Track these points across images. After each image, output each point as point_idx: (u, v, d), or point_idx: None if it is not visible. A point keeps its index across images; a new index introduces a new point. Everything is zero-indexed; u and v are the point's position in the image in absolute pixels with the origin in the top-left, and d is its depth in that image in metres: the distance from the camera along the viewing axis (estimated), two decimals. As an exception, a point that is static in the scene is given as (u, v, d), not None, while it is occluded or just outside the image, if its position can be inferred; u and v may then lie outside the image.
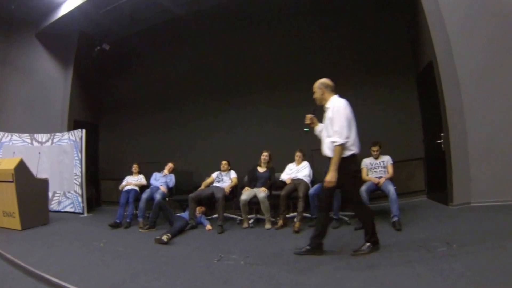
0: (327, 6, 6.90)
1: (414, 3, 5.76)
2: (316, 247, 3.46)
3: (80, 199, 7.04)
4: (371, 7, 6.65)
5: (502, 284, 2.28)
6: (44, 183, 6.08)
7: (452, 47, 5.21)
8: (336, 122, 3.30)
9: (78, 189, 7.07)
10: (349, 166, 3.31)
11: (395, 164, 5.04)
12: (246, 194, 5.24)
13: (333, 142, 3.28)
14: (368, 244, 3.37)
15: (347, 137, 3.25)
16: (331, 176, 3.24)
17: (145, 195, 5.72)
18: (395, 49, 6.49)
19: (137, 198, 5.87)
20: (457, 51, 5.18)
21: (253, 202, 5.23)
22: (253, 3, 7.19)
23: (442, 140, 5.33)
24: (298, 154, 5.71)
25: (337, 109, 3.37)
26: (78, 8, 7.12)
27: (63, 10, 7.43)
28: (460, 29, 5.21)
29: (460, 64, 5.16)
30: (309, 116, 3.79)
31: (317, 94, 3.67)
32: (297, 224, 4.67)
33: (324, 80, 3.69)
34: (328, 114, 3.43)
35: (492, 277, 2.39)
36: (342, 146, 3.24)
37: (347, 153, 3.28)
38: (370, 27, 6.66)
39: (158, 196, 5.57)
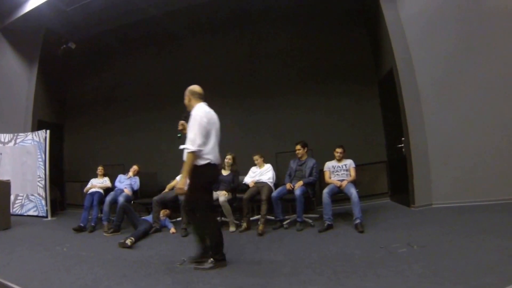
0: (292, 15, 7.07)
1: (375, 13, 5.95)
2: (221, 258, 3.33)
3: (43, 202, 6.83)
4: (334, 16, 6.86)
5: (459, 284, 2.37)
6: (6, 185, 5.91)
7: (412, 55, 5.45)
8: (191, 130, 3.25)
9: (41, 191, 6.88)
10: (201, 175, 3.26)
11: (359, 167, 5.21)
12: None
13: (186, 149, 3.23)
14: (211, 259, 3.27)
15: (200, 145, 3.19)
16: (181, 183, 3.24)
17: (109, 198, 5.63)
18: (358, 57, 6.70)
19: (101, 201, 5.77)
20: (416, 59, 5.43)
21: (216, 205, 5.18)
22: (222, 9, 7.25)
23: (403, 145, 5.53)
24: (256, 157, 5.79)
25: (195, 117, 3.32)
26: (46, 4, 6.89)
27: (29, 5, 7.16)
28: (419, 37, 5.45)
29: (420, 71, 5.41)
30: (180, 122, 3.72)
31: (186, 101, 3.70)
32: (260, 227, 4.73)
33: (192, 87, 3.71)
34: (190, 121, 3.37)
35: (449, 277, 2.49)
36: (194, 154, 3.19)
37: (201, 161, 3.24)
38: (333, 35, 6.88)
39: (121, 199, 5.49)
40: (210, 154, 3.29)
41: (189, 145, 3.19)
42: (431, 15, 5.40)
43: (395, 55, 5.53)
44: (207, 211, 3.41)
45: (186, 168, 3.19)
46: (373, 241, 3.79)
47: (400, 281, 2.56)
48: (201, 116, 3.30)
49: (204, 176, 3.28)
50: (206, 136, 3.27)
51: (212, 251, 3.30)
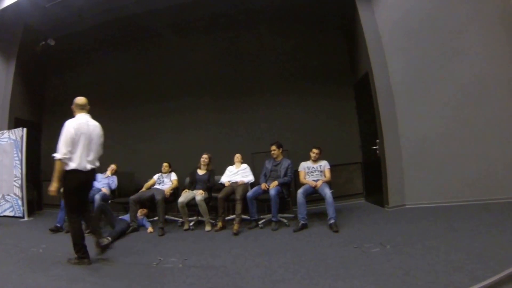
0: (271, 17, 7.15)
1: (353, 17, 6.08)
2: (82, 256, 3.61)
3: (20, 202, 6.70)
4: (312, 19, 6.95)
5: (429, 283, 2.47)
6: (-19, 185, 5.77)
7: (387, 60, 5.59)
8: (60, 139, 3.54)
9: (18, 191, 6.76)
10: (68, 180, 3.54)
11: (334, 168, 5.31)
12: (184, 196, 5.26)
13: (54, 156, 3.51)
14: (76, 256, 3.60)
15: (65, 154, 3.46)
16: (52, 186, 3.49)
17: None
18: (335, 60, 6.84)
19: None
20: (391, 64, 5.58)
21: (193, 204, 5.27)
22: (201, 9, 7.25)
23: (377, 147, 5.67)
24: (237, 156, 5.84)
25: (64, 127, 3.65)
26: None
27: (8, 0, 7.02)
28: (395, 43, 5.62)
29: (394, 76, 5.56)
30: None
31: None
32: (235, 226, 4.77)
33: (76, 99, 4.02)
34: None
35: (419, 276, 2.59)
36: (60, 161, 3.46)
37: (68, 168, 3.51)
38: (310, 38, 7.00)
39: (97, 198, 5.46)
40: (75, 162, 3.54)
41: (56, 153, 3.49)
42: (406, 22, 5.58)
43: (371, 59, 5.68)
44: (70, 214, 3.77)
45: (55, 173, 3.50)
46: (347, 240, 3.88)
47: (372, 280, 2.64)
48: (68, 127, 3.62)
49: (70, 181, 3.56)
50: (72, 145, 3.54)
51: (74, 249, 3.61)
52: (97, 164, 3.86)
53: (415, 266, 2.83)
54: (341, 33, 6.91)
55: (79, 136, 3.62)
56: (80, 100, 3.96)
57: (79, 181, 3.61)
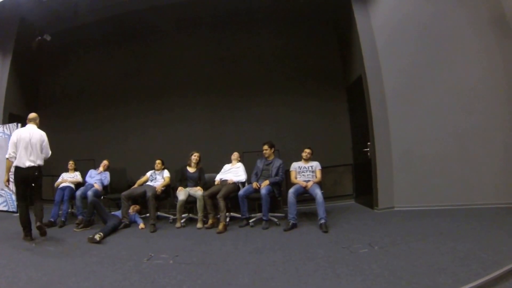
0: (265, 17, 7.19)
1: (348, 20, 6.13)
2: (27, 235, 4.49)
3: (14, 197, 6.68)
4: (306, 19, 7.02)
5: (413, 284, 2.54)
6: (-25, 179, 5.77)
7: (381, 64, 5.65)
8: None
9: (12, 186, 6.69)
10: (14, 175, 4.56)
11: (326, 169, 5.36)
12: (182, 194, 5.30)
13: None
14: (23, 235, 4.50)
15: (10, 155, 4.53)
16: (4, 180, 4.72)
17: (79, 193, 5.64)
18: (328, 61, 6.91)
19: (72, 196, 5.76)
20: (384, 68, 5.64)
21: (187, 202, 5.33)
22: (195, 7, 7.27)
23: (368, 149, 5.74)
24: (234, 154, 5.88)
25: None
26: None
27: None
28: (388, 47, 5.67)
29: (387, 80, 5.62)
30: None
31: None
32: (220, 226, 4.82)
33: (29, 115, 4.91)
34: None
35: (405, 277, 2.66)
36: (8, 160, 4.56)
37: (14, 165, 4.52)
38: (304, 38, 7.06)
39: (90, 194, 5.48)
40: (17, 161, 4.49)
41: (6, 155, 4.57)
42: (401, 27, 5.65)
43: (365, 63, 5.74)
44: (18, 201, 4.73)
45: (6, 169, 4.64)
46: (336, 241, 3.95)
47: (359, 280, 2.71)
48: (12, 135, 4.75)
49: (15, 175, 4.55)
50: (15, 149, 4.53)
51: (23, 230, 4.50)
52: (39, 162, 4.63)
53: (401, 267, 2.90)
54: (335, 36, 6.97)
55: (20, 142, 4.53)
56: (30, 115, 4.88)
57: (20, 175, 4.51)
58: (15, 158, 4.51)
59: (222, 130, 7.15)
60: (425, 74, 5.50)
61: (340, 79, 6.87)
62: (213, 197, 5.21)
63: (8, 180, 4.70)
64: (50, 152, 4.87)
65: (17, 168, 4.52)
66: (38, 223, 4.41)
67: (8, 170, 4.62)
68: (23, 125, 6.54)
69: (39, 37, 7.87)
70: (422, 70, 5.51)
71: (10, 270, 3.34)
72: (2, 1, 6.97)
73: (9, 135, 6.78)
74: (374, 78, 5.72)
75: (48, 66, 8.89)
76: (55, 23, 7.86)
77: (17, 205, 4.88)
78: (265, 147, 5.40)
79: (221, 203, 4.99)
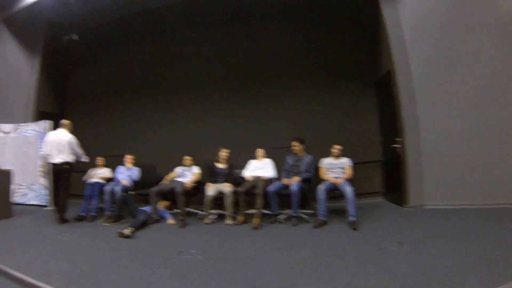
0: (293, 11, 7.12)
1: (375, 14, 6.00)
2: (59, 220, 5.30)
3: (44, 191, 6.92)
4: (333, 14, 6.90)
5: (443, 284, 2.47)
6: (7, 174, 6.02)
7: (409, 58, 5.50)
8: None
9: (43, 181, 6.92)
10: (50, 168, 5.49)
11: (354, 165, 5.22)
12: (212, 190, 5.29)
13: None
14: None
15: (44, 152, 5.49)
16: (41, 171, 5.91)
17: (108, 188, 5.70)
18: (356, 56, 6.76)
19: (102, 191, 5.82)
20: (413, 62, 5.49)
21: (217, 198, 5.31)
22: (223, 3, 7.31)
23: (397, 145, 5.60)
24: (259, 151, 5.84)
25: None
26: None
27: None
28: (417, 40, 5.53)
29: (417, 74, 5.47)
30: None
31: None
32: (255, 221, 4.78)
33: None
34: None
35: (434, 277, 2.59)
36: (43, 156, 5.55)
37: (48, 161, 5.45)
38: (332, 33, 6.93)
39: (117, 189, 5.53)
40: (50, 158, 5.39)
41: (42, 152, 5.69)
42: (429, 20, 5.49)
43: (393, 57, 5.61)
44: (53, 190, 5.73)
45: (42, 164, 5.67)
46: (366, 239, 3.87)
47: (388, 278, 2.64)
48: (46, 137, 5.72)
49: (50, 170, 5.49)
50: (48, 148, 5.45)
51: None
52: (68, 159, 5.42)
53: (431, 266, 2.82)
54: (362, 30, 6.81)
55: (52, 143, 5.45)
56: (63, 121, 5.74)
57: (53, 169, 5.43)
58: (49, 155, 5.40)
59: (251, 125, 7.13)
60: (456, 66, 5.33)
61: (368, 74, 6.71)
62: (248, 193, 5.20)
63: (45, 172, 5.72)
64: (81, 153, 5.69)
65: (50, 164, 5.43)
66: (59, 210, 5.33)
67: (44, 165, 5.57)
68: (54, 122, 6.84)
69: (67, 37, 8.08)
70: (453, 63, 5.34)
71: (42, 262, 3.42)
72: (29, 4, 7.24)
73: (40, 132, 7.01)
74: (403, 72, 5.57)
75: (76, 65, 9.12)
76: (81, 22, 8.07)
77: (51, 194, 6.10)
78: (294, 143, 5.33)
79: (259, 200, 4.98)
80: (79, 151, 5.66)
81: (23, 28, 8.14)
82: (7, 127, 7.43)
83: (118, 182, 5.81)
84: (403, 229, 4.22)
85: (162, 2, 7.36)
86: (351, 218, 4.46)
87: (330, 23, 6.96)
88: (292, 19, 7.20)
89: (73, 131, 5.74)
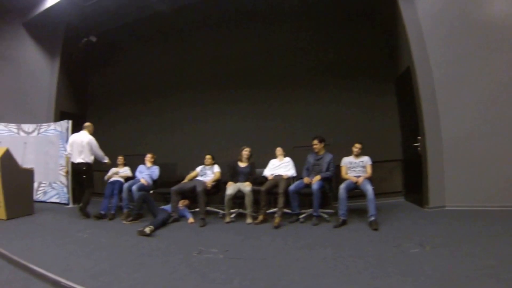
0: (311, 8, 7.07)
1: (393, 10, 5.91)
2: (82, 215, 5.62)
3: (65, 189, 7.06)
4: (351, 11, 6.84)
5: None
6: (30, 173, 6.10)
7: (429, 54, 5.38)
8: None
9: (63, 180, 7.09)
10: (71, 167, 5.86)
11: (374, 164, 5.16)
12: (231, 188, 5.29)
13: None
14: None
15: (67, 153, 5.84)
16: (64, 170, 6.50)
17: (126, 185, 5.78)
18: (375, 53, 6.71)
19: (122, 190, 5.88)
20: (434, 58, 5.37)
21: (237, 197, 5.31)
22: (239, 2, 7.32)
23: (418, 144, 5.49)
24: (278, 149, 5.83)
25: None
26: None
27: (50, 1, 7.44)
28: (437, 36, 5.40)
29: (437, 70, 5.35)
30: None
31: None
32: (277, 220, 4.75)
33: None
34: None
35: (457, 280, 2.52)
36: (66, 156, 6.00)
37: (70, 160, 5.79)
38: (350, 31, 6.88)
39: (134, 188, 5.61)
40: (72, 158, 5.73)
41: (65, 152, 6.04)
42: (448, 14, 5.37)
43: (413, 53, 5.50)
44: (73, 187, 6.51)
45: (65, 163, 6.30)
46: (386, 239, 3.81)
47: (410, 280, 2.58)
48: (69, 139, 6.05)
49: (71, 168, 5.85)
50: (70, 149, 5.77)
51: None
52: (87, 160, 5.70)
53: (453, 269, 2.75)
54: (380, 26, 6.73)
55: (73, 144, 5.74)
56: (85, 124, 6.04)
57: (73, 168, 5.77)
58: (71, 155, 5.73)
59: (270, 124, 7.12)
60: (477, 62, 5.18)
61: (387, 71, 6.62)
62: (269, 192, 5.18)
63: (67, 172, 6.17)
64: (101, 154, 5.94)
65: (71, 163, 5.77)
66: (81, 206, 5.62)
67: (67, 164, 6.05)
68: (74, 122, 7.03)
69: (85, 39, 8.23)
70: (474, 59, 5.19)
71: (62, 259, 3.45)
72: (47, 8, 7.41)
73: (60, 132, 7.13)
74: (423, 69, 5.45)
75: (95, 66, 9.25)
76: (98, 24, 8.20)
77: (74, 189, 6.72)
78: (315, 141, 5.28)
79: (281, 199, 4.96)
80: (100, 152, 5.90)
81: (43, 31, 8.34)
82: (29, 127, 7.56)
83: (138, 180, 5.87)
84: (424, 230, 4.12)
85: (179, 4, 7.41)
86: (372, 218, 4.39)
87: (347, 20, 6.93)
88: (310, 18, 7.16)
89: (94, 131, 5.98)
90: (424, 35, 5.49)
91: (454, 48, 5.32)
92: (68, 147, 5.82)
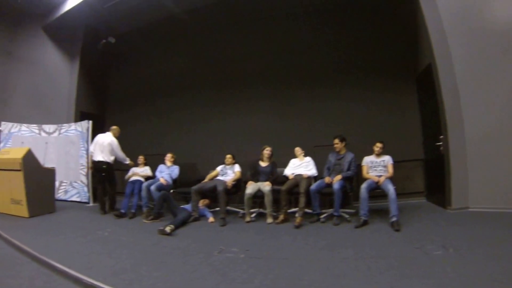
0: (330, 7, 7.02)
1: (413, 6, 5.81)
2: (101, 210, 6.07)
3: (86, 189, 7.17)
4: (370, 9, 6.74)
5: None
6: (51, 172, 6.22)
7: (451, 50, 5.23)
8: None
9: (84, 179, 7.21)
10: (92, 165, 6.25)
11: (395, 164, 5.08)
12: (251, 188, 5.28)
13: None
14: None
15: (91, 151, 6.23)
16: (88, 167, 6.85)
17: (145, 184, 5.84)
18: (395, 51, 6.59)
19: (142, 189, 5.92)
20: (456, 55, 5.21)
21: (257, 196, 5.30)
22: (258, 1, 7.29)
23: (441, 143, 5.37)
24: (297, 149, 5.79)
25: None
26: (84, 2, 7.30)
27: (68, 4, 7.61)
28: (459, 32, 5.24)
29: (459, 67, 5.19)
30: None
31: None
32: (298, 220, 4.71)
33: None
34: None
35: (481, 285, 2.46)
36: (90, 155, 6.34)
37: (92, 159, 6.15)
38: (370, 28, 6.78)
39: (153, 188, 5.64)
40: (94, 156, 6.09)
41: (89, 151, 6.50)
42: (471, 9, 5.21)
43: (434, 50, 5.34)
44: (94, 184, 6.61)
45: (89, 161, 6.49)
46: (409, 240, 3.73)
47: (432, 283, 2.53)
48: (94, 139, 6.31)
49: (92, 166, 6.25)
50: (93, 148, 6.18)
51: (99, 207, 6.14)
52: (107, 159, 6.00)
53: (477, 273, 2.67)
54: (401, 23, 6.59)
55: (96, 143, 6.11)
56: (112, 127, 6.34)
57: (94, 166, 6.12)
58: (93, 154, 6.11)
59: (290, 123, 7.10)
60: (501, 57, 4.98)
61: (408, 69, 6.50)
62: (290, 192, 5.16)
63: (91, 167, 6.39)
64: (123, 155, 6.23)
65: (93, 161, 6.11)
66: (101, 205, 6.08)
67: (91, 161, 6.26)
68: (94, 122, 7.21)
69: (104, 40, 8.36)
70: (497, 54, 5.01)
71: (84, 256, 3.52)
72: (66, 11, 7.61)
73: (81, 132, 7.24)
74: (445, 66, 5.27)
75: (115, 66, 9.35)
76: (117, 26, 8.33)
77: (94, 187, 6.87)
78: (336, 141, 5.24)
79: (302, 198, 4.93)
80: (121, 154, 6.19)
81: (62, 34, 8.55)
82: (50, 127, 7.71)
83: (156, 180, 5.92)
84: (447, 232, 4.01)
85: (196, 5, 7.44)
86: (393, 219, 4.31)
87: (367, 17, 6.83)
88: (330, 16, 7.11)
89: (119, 135, 6.31)
90: (446, 31, 5.32)
91: (477, 43, 5.15)
92: (91, 146, 6.23)
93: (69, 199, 7.40)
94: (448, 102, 5.23)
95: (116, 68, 9.38)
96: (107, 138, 6.09)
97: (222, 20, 7.82)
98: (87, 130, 7.21)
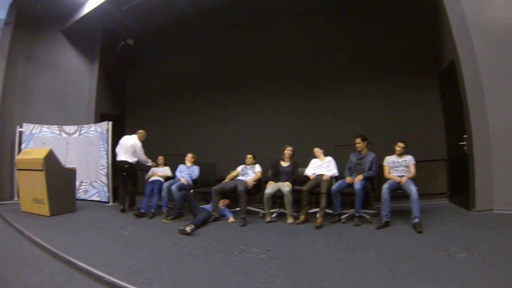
0: (349, 4, 6.98)
1: (436, 1, 5.69)
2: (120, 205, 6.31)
3: (106, 188, 7.28)
4: (392, 4, 6.62)
5: None
6: (72, 172, 6.32)
7: (475, 46, 5.09)
8: None
9: (104, 179, 7.31)
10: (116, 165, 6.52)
11: (417, 164, 4.98)
12: (270, 188, 5.25)
13: None
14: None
15: (116, 152, 6.37)
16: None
17: (166, 184, 5.88)
18: (417, 48, 6.45)
19: (161, 189, 5.95)
20: (480, 51, 5.08)
21: (277, 196, 5.27)
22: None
23: (465, 142, 5.24)
24: (316, 150, 5.74)
25: None
26: (101, 6, 7.43)
27: (86, 8, 7.75)
28: (481, 26, 5.12)
29: (484, 64, 5.05)
30: None
31: None
32: (319, 220, 4.68)
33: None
34: None
35: None
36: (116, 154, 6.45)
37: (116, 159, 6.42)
38: (391, 26, 6.67)
39: (173, 188, 5.67)
40: (117, 156, 6.32)
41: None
42: (495, 6, 5.09)
43: (457, 46, 5.20)
44: (119, 182, 6.60)
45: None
46: (431, 242, 3.66)
47: (456, 286, 2.48)
48: (120, 140, 6.45)
49: (116, 165, 6.48)
50: (118, 149, 6.36)
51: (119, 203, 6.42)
52: (129, 160, 6.21)
53: (503, 277, 2.59)
54: (422, 19, 6.44)
55: (121, 144, 6.32)
56: (139, 130, 6.52)
57: (117, 165, 6.36)
58: (117, 154, 6.32)
59: (310, 123, 7.06)
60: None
61: (431, 66, 6.36)
62: (311, 192, 5.12)
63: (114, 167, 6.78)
64: (144, 158, 6.40)
65: (116, 161, 6.33)
66: (128, 205, 6.28)
67: (114, 162, 6.63)
68: (114, 123, 7.33)
69: (123, 42, 8.48)
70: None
71: (105, 254, 3.57)
72: (85, 14, 7.78)
73: (101, 133, 7.34)
74: (469, 62, 5.13)
75: (134, 67, 9.47)
76: (136, 28, 8.46)
77: (114, 187, 7.13)
78: (357, 140, 5.17)
79: (323, 199, 4.89)
80: (143, 156, 6.36)
81: (81, 37, 8.75)
82: (70, 128, 7.85)
83: (177, 180, 5.95)
84: (471, 234, 3.92)
85: (218, 3, 7.46)
86: (416, 220, 4.22)
87: (387, 13, 6.74)
88: (349, 12, 7.06)
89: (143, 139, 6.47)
90: (469, 26, 5.19)
91: (501, 39, 5.00)
92: (117, 147, 6.38)
93: (89, 199, 7.52)
94: (472, 100, 5.08)
95: (135, 69, 9.50)
96: (131, 140, 6.29)
97: (237, 20, 7.87)
98: (107, 131, 7.30)
